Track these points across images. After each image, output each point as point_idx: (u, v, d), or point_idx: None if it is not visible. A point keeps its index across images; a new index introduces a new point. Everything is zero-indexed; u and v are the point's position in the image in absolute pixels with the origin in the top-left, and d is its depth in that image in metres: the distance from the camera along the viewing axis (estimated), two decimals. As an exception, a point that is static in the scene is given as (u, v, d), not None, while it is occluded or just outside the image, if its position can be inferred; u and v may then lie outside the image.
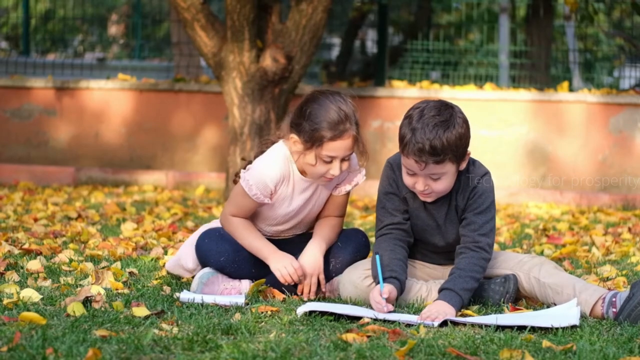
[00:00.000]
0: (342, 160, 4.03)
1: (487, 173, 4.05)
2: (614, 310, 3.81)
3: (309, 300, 4.10)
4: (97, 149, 9.04)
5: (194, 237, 4.32)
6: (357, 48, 14.25)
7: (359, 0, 12.74)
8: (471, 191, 4.00)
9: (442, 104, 3.91)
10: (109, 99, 9.06)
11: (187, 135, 8.95)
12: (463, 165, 3.96)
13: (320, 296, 4.16)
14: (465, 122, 3.90)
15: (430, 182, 3.91)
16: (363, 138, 4.08)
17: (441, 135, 3.81)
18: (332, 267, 4.20)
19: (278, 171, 4.10)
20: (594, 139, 8.36)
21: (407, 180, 3.95)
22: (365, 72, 12.77)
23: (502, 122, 8.53)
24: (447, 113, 3.87)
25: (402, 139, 3.88)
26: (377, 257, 3.94)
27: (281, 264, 4.09)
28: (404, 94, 8.77)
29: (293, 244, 4.25)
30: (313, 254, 4.14)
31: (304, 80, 9.33)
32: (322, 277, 4.13)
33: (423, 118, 3.84)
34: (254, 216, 4.24)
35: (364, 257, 4.27)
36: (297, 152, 4.06)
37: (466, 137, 3.90)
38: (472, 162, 4.04)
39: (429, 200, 4.00)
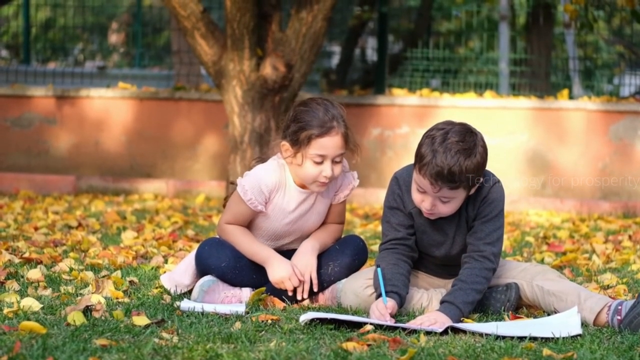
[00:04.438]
0: (334, 162, 4.03)
1: (497, 182, 4.04)
2: (619, 318, 3.81)
3: (303, 299, 4.11)
4: (97, 157, 9.05)
5: (189, 258, 4.33)
6: (357, 56, 14.24)
7: (359, 8, 12.74)
8: (481, 200, 4.00)
9: (467, 129, 3.87)
10: (110, 107, 9.07)
11: (187, 144, 8.95)
12: (473, 191, 3.95)
13: (316, 305, 4.16)
14: (485, 151, 3.88)
15: (438, 203, 3.90)
16: (353, 137, 4.08)
17: (462, 163, 3.79)
18: (330, 270, 4.20)
19: (273, 177, 4.11)
20: (594, 146, 8.36)
21: (416, 196, 3.94)
22: (365, 80, 12.76)
23: (502, 130, 8.53)
24: (470, 140, 3.84)
25: (421, 158, 3.84)
26: (379, 270, 3.93)
27: (278, 276, 4.10)
28: (404, 102, 8.78)
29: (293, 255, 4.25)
30: (305, 254, 4.15)
31: (304, 88, 9.34)
32: (314, 275, 4.14)
33: (446, 142, 3.81)
34: (253, 230, 4.24)
35: (363, 260, 4.28)
36: (290, 158, 4.07)
37: (484, 166, 3.89)
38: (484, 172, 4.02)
39: (431, 218, 4.00)
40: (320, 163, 4.02)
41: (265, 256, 4.15)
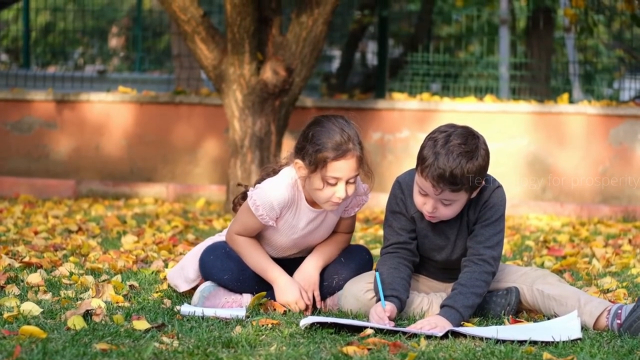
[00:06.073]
0: (348, 183, 3.99)
1: (499, 187, 4.04)
2: (619, 322, 3.81)
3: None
4: (97, 161, 9.05)
5: (198, 249, 4.32)
6: (357, 60, 14.26)
7: (360, 13, 12.75)
8: (483, 204, 4.00)
9: (469, 132, 3.88)
10: (110, 111, 9.07)
11: (187, 148, 8.95)
12: (474, 194, 3.95)
13: (318, 310, 4.16)
14: (487, 154, 3.90)
15: (439, 206, 3.91)
16: (368, 160, 4.04)
17: (463, 166, 3.80)
18: (335, 283, 4.19)
19: (285, 195, 4.06)
20: (594, 150, 8.36)
21: (418, 199, 3.95)
22: (365, 84, 12.77)
23: (502, 134, 8.53)
24: (472, 143, 3.85)
25: (423, 160, 3.85)
26: (377, 274, 3.93)
27: (286, 299, 4.08)
28: (404, 106, 8.78)
29: (298, 264, 4.24)
30: (308, 270, 4.14)
31: (305, 92, 9.34)
32: (317, 293, 4.14)
33: (448, 144, 3.82)
34: (259, 239, 4.22)
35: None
36: (303, 178, 4.04)
37: (485, 169, 3.90)
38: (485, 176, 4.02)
39: (433, 221, 4.01)
40: (334, 184, 3.99)
41: (274, 276, 4.12)
